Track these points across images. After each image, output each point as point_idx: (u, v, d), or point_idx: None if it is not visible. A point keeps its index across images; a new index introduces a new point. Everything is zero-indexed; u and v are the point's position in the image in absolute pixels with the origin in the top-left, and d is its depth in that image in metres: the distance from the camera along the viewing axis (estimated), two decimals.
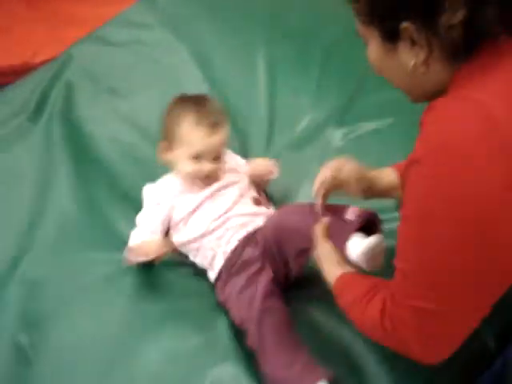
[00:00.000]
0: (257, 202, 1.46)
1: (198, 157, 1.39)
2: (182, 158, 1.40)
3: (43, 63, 2.19)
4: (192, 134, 1.37)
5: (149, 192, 1.46)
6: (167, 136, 1.42)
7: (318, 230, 1.14)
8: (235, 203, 1.41)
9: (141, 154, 1.68)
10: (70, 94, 1.84)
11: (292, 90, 1.80)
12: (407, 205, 0.84)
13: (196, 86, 1.78)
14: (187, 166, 1.40)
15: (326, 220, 1.15)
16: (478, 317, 0.87)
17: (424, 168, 0.79)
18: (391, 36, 0.85)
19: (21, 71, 2.20)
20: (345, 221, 1.15)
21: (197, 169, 1.39)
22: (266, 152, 1.67)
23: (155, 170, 1.52)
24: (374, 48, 0.90)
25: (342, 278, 1.05)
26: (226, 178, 1.45)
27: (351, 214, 1.15)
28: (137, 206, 1.47)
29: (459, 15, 0.78)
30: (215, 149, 1.39)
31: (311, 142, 1.67)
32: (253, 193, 1.49)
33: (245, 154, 1.65)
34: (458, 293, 0.82)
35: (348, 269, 1.07)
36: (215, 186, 1.43)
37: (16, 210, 1.55)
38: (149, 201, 1.44)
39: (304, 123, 1.72)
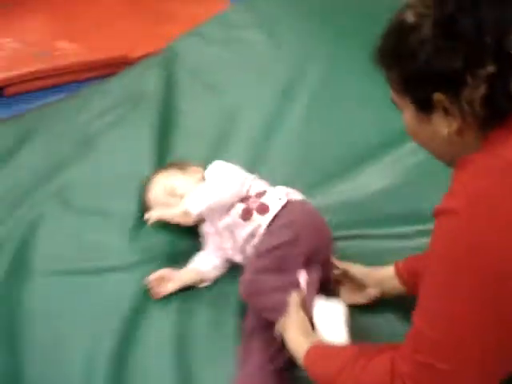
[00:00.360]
0: None
1: None
2: None
3: (141, 57, 2.28)
4: None
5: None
6: None
7: (294, 298, 1.15)
8: None
9: None
10: (171, 87, 1.91)
11: None
12: (435, 257, 0.84)
13: (292, 83, 1.81)
14: None
15: (304, 291, 1.17)
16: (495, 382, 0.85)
17: (460, 218, 0.79)
18: (425, 106, 0.86)
19: (119, 64, 2.30)
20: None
21: None
22: None
23: None
24: (408, 116, 0.91)
25: (313, 349, 1.04)
26: None
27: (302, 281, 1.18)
28: None
29: (481, 90, 0.80)
30: None
31: None
32: None
33: None
34: (476, 355, 0.80)
35: (316, 340, 1.07)
36: None
37: None
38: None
39: None
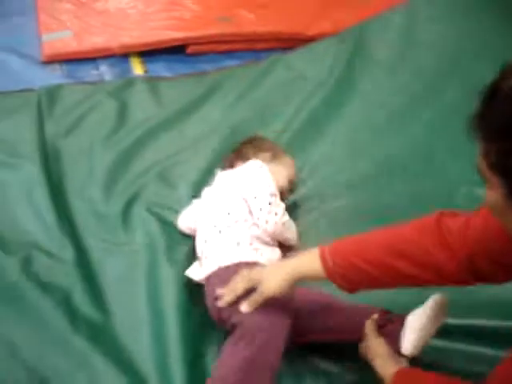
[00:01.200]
0: None
1: None
2: None
3: (315, 36, 2.36)
4: None
5: None
6: None
7: (369, 325, 1.18)
8: None
9: None
10: (351, 67, 1.98)
11: None
12: None
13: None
14: None
15: (375, 316, 1.20)
16: None
17: None
18: None
19: (294, 40, 2.39)
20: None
21: None
22: None
23: None
24: (494, 195, 0.78)
25: (401, 372, 1.07)
26: None
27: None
28: None
29: None
30: None
31: None
32: None
33: None
34: None
35: (403, 363, 1.10)
36: None
37: None
38: None
39: None
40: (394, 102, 1.89)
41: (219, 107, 1.94)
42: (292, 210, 1.52)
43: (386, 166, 1.69)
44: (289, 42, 2.41)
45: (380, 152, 1.72)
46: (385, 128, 1.82)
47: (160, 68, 2.27)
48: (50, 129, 1.78)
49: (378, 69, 1.98)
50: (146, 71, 2.24)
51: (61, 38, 2.29)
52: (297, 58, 2.08)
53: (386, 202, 1.58)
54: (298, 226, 1.48)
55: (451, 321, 1.22)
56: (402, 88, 1.93)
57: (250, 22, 2.44)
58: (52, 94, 1.93)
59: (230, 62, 2.31)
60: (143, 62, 2.28)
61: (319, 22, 2.47)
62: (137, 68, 2.25)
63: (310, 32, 2.41)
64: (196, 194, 1.56)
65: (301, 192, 1.62)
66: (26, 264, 1.36)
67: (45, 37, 2.30)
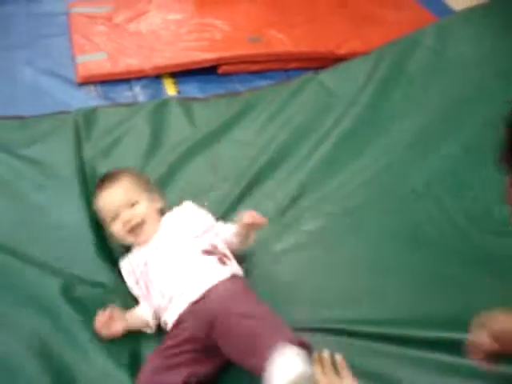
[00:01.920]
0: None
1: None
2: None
3: (346, 55, 2.37)
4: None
5: None
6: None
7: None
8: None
9: None
10: (383, 86, 1.98)
11: None
12: None
13: None
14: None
15: None
16: None
17: None
18: None
19: (325, 59, 2.40)
20: None
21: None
22: None
23: None
24: None
25: None
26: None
27: None
28: None
29: None
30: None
31: None
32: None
33: None
34: None
35: None
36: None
37: None
38: None
39: None
40: (426, 121, 1.88)
41: (252, 128, 1.96)
42: None
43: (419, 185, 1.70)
44: (320, 61, 2.42)
45: (418, 173, 1.73)
46: (418, 147, 1.82)
47: (192, 88, 2.30)
48: (88, 151, 1.82)
49: (409, 88, 1.98)
50: (178, 92, 2.27)
51: (95, 59, 2.34)
52: (328, 77, 2.09)
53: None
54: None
55: None
56: (433, 107, 1.92)
57: (280, 41, 2.47)
58: (88, 116, 1.96)
59: (262, 82, 2.33)
60: (176, 83, 2.31)
61: (350, 41, 2.48)
62: (169, 89, 2.28)
63: (341, 51, 2.43)
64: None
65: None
66: (66, 290, 1.38)
67: (79, 58, 2.35)
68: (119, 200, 1.46)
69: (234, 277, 1.35)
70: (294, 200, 1.68)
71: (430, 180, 1.70)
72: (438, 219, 1.58)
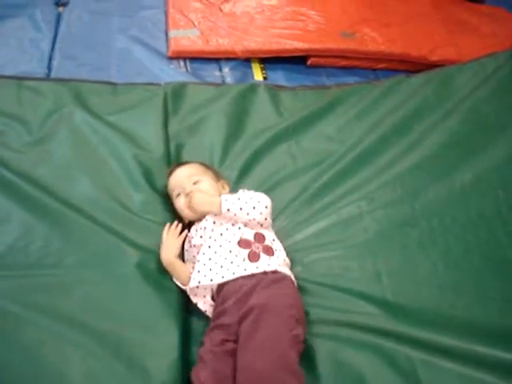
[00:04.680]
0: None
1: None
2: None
3: (437, 62, 2.33)
4: None
5: None
6: None
7: None
8: None
9: None
10: (475, 95, 1.93)
11: None
12: None
13: None
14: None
15: None
16: None
17: None
18: None
19: (417, 63, 2.36)
20: None
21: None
22: None
23: None
24: None
25: None
26: None
27: None
28: None
29: None
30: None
31: None
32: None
33: None
34: None
35: None
36: None
37: None
38: None
39: None
40: None
41: (336, 123, 1.94)
42: None
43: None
44: (410, 65, 2.39)
45: None
46: None
47: (279, 76, 2.30)
48: (174, 126, 1.84)
49: None
50: (265, 78, 2.27)
51: (188, 35, 2.36)
52: (421, 82, 2.04)
53: None
54: None
55: None
56: None
57: (372, 40, 2.43)
58: (178, 91, 1.98)
59: (349, 79, 2.31)
60: (263, 69, 2.31)
61: (444, 48, 2.44)
62: (257, 74, 2.28)
63: (434, 57, 2.38)
64: None
65: None
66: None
67: (172, 33, 2.38)
68: (184, 176, 1.56)
69: (265, 273, 1.36)
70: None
71: None
72: None
